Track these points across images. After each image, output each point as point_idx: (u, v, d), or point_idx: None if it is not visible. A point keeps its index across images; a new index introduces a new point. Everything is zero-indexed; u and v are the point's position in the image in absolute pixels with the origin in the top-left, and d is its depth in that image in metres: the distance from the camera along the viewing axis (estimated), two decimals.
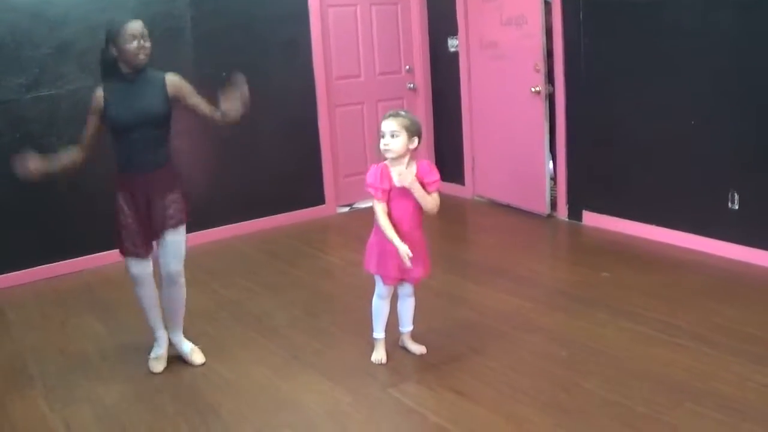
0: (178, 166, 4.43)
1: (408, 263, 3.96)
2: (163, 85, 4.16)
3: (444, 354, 4.38)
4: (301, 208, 7.68)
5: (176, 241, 4.27)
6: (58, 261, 6.41)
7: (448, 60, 8.10)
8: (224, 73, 6.81)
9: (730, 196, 5.58)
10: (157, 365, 4.43)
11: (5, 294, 6.00)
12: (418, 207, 4.09)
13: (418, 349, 4.42)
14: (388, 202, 4.05)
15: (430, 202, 4.08)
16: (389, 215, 4.05)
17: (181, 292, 4.41)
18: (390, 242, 3.99)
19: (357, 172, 7.88)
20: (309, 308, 5.29)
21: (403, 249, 3.93)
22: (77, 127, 6.15)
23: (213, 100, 4.27)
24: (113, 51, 4.01)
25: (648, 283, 5.27)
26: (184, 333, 4.54)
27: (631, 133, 6.26)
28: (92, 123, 4.17)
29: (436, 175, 4.11)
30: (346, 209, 7.97)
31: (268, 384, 4.17)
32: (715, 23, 5.47)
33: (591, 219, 6.75)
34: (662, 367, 4.01)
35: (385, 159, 4.05)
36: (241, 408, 3.92)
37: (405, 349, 4.47)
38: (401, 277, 4.21)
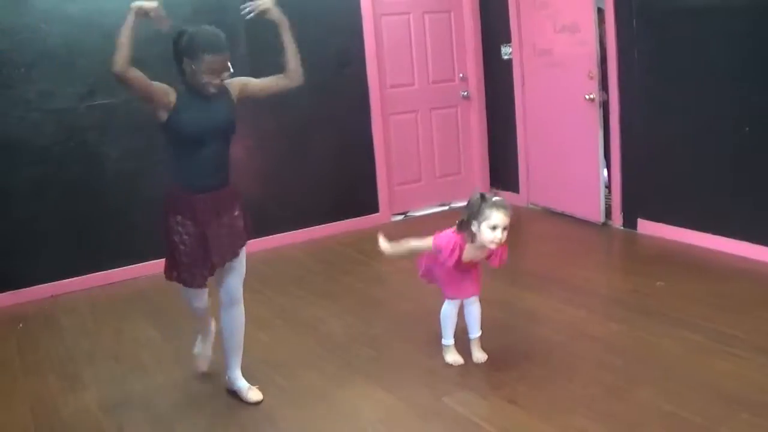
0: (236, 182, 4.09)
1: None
2: (228, 93, 3.95)
3: (498, 362, 4.38)
4: (355, 216, 7.71)
5: (241, 261, 4.03)
6: (113, 268, 6.52)
7: (501, 67, 8.09)
8: None
9: None
10: (203, 363, 4.41)
11: (60, 300, 6.15)
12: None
13: (481, 356, 4.43)
14: (454, 267, 4.16)
15: None
16: (457, 275, 4.24)
17: (242, 315, 4.11)
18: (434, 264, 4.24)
19: (411, 180, 7.96)
20: (363, 316, 5.32)
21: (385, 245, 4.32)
22: (132, 135, 6.35)
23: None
24: (189, 66, 3.74)
25: (704, 293, 5.20)
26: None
27: (685, 141, 6.19)
28: (146, 81, 3.70)
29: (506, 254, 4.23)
30: (401, 217, 7.98)
31: (322, 391, 4.21)
32: None
33: (646, 227, 6.68)
34: (718, 378, 3.96)
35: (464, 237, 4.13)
36: (295, 415, 3.97)
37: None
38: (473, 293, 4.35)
